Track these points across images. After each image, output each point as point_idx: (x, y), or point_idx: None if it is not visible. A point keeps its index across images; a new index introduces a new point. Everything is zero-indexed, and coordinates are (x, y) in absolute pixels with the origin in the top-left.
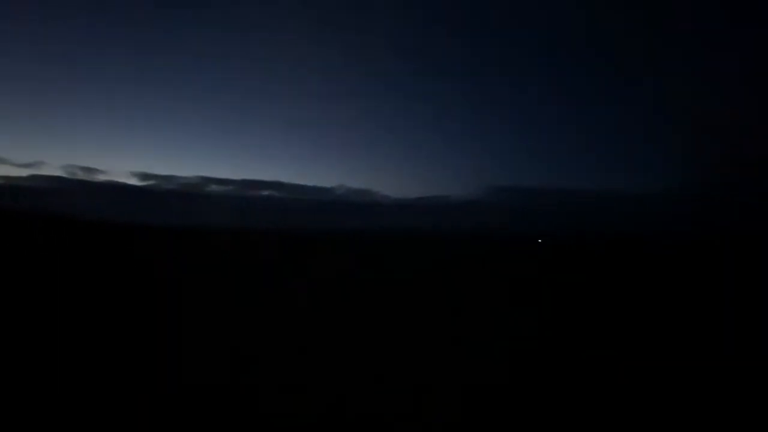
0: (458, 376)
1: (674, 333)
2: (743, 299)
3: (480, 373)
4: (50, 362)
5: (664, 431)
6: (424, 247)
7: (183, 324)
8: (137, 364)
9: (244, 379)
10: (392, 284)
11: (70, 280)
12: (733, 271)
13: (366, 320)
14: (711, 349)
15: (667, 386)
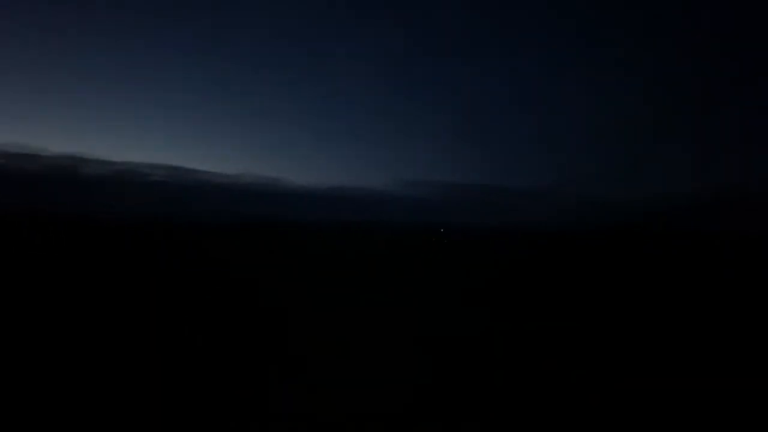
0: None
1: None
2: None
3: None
4: None
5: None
6: (330, 236)
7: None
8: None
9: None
10: (292, 272)
11: None
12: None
13: (265, 309)
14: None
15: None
